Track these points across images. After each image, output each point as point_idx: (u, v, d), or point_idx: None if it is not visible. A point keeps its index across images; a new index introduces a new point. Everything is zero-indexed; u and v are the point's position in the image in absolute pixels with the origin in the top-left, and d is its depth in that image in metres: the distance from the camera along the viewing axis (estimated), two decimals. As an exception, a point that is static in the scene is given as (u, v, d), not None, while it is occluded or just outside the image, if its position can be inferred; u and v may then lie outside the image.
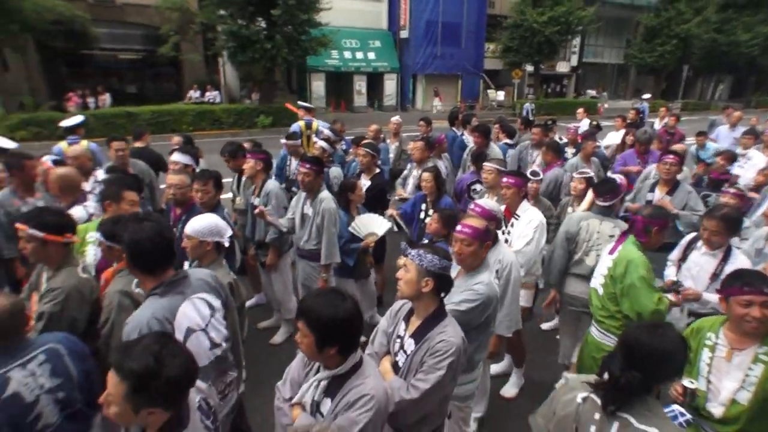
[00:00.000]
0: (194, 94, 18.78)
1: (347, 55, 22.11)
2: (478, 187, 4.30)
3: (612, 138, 7.43)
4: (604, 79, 32.94)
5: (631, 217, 2.89)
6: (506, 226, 3.36)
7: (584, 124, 8.37)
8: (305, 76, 21.59)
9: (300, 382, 1.75)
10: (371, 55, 22.85)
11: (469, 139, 6.02)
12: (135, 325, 1.77)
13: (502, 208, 3.28)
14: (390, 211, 3.94)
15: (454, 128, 6.68)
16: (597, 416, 1.50)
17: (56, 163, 4.10)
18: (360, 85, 22.99)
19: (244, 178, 4.18)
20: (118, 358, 1.29)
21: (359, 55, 22.51)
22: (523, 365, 3.50)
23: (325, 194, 3.53)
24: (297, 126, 6.55)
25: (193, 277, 2.05)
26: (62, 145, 5.17)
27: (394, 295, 2.14)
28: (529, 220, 3.28)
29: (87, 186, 3.60)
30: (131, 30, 19.34)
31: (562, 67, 29.02)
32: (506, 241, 3.30)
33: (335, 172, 4.71)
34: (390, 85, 23.92)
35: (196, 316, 1.96)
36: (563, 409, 1.61)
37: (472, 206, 2.92)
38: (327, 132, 5.74)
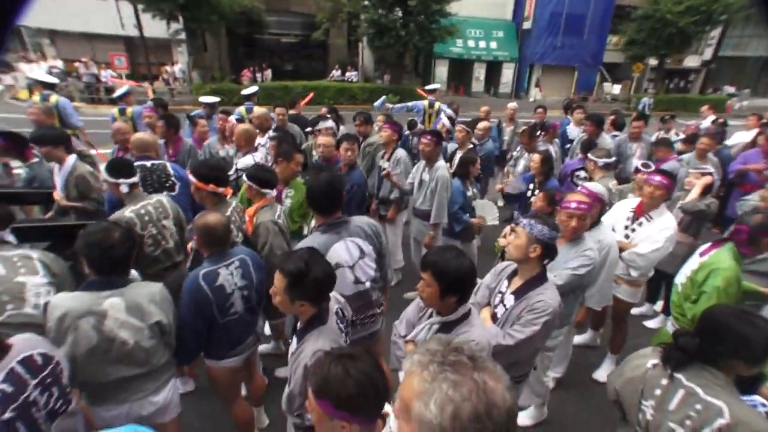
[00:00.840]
0: (336, 73, 19.90)
1: (471, 43, 21.38)
2: (582, 173, 4.03)
3: (739, 137, 6.21)
4: (742, 75, 26.53)
5: (735, 226, 2.38)
6: (632, 223, 2.96)
7: (707, 122, 7.13)
8: (431, 62, 21.46)
9: (414, 323, 1.87)
10: (493, 45, 21.77)
11: (571, 129, 5.59)
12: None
13: (633, 202, 3.01)
14: (499, 186, 3.93)
15: (569, 116, 6.23)
16: (664, 382, 1.44)
17: (238, 121, 4.84)
18: (479, 72, 22.25)
19: (364, 143, 4.33)
20: (282, 261, 1.59)
21: (482, 44, 21.62)
22: (619, 352, 3.21)
23: (440, 164, 3.66)
24: (421, 105, 6.66)
25: (353, 223, 2.24)
26: (241, 109, 5.99)
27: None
28: (663, 227, 2.84)
29: (261, 140, 4.18)
30: (293, 18, 20.98)
31: (692, 62, 23.96)
32: (627, 237, 2.96)
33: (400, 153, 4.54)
34: (507, 73, 22.66)
35: (346, 255, 2.17)
36: (632, 371, 1.56)
37: (579, 188, 2.80)
38: (449, 112, 5.76)
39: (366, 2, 16.09)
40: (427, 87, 6.82)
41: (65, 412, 1.49)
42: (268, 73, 19.66)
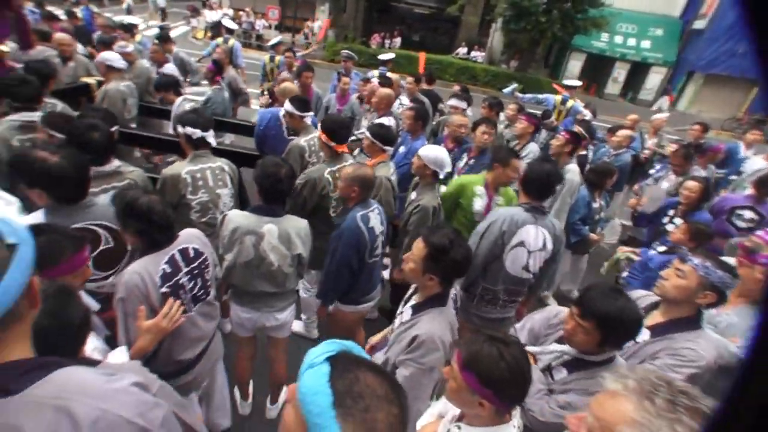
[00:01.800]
0: (462, 50, 19.19)
1: (618, 39, 18.66)
2: (747, 214, 3.36)
3: None
4: None
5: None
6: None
7: None
8: (564, 53, 19.40)
9: (538, 336, 1.70)
10: (645, 44, 18.66)
11: (743, 156, 4.67)
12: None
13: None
14: (632, 201, 3.52)
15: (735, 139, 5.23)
16: None
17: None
18: (619, 72, 19.33)
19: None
20: (428, 232, 1.60)
21: (631, 41, 18.67)
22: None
23: (572, 167, 3.39)
24: (552, 99, 6.16)
25: (549, 218, 2.29)
26: (374, 72, 6.15)
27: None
28: None
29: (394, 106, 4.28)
30: (429, -12, 20.57)
31: None
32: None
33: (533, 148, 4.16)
34: (654, 78, 19.28)
35: (533, 239, 2.20)
36: None
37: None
38: (584, 112, 5.23)
39: (510, -19, 15.03)
40: (566, 82, 6.23)
41: (205, 300, 1.76)
42: (398, 41, 19.73)
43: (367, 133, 2.81)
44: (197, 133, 2.20)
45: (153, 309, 1.49)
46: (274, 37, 6.99)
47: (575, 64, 19.55)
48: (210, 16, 18.46)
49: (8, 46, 3.94)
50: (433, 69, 15.54)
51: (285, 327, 2.25)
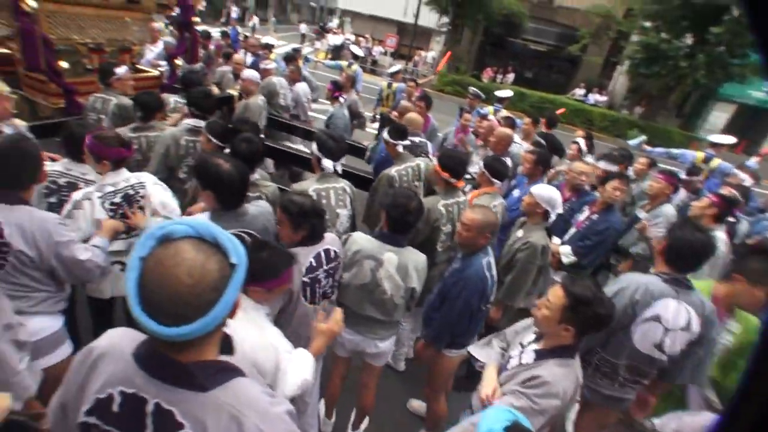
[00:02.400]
0: (579, 91, 18.32)
1: (781, 90, 16.10)
2: None
3: None
4: None
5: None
6: None
7: None
8: (706, 103, 17.22)
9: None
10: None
11: None
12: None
13: None
14: None
15: None
16: None
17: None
18: (782, 129, 16.64)
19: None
20: (570, 282, 1.53)
21: (801, 93, 15.94)
22: None
23: (719, 234, 2.96)
24: (691, 156, 5.49)
25: (696, 294, 1.95)
26: (489, 109, 6.14)
27: None
28: None
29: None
30: (552, 27, 20.13)
31: None
32: None
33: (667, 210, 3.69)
34: None
35: (673, 316, 1.91)
36: None
37: None
38: (742, 176, 4.56)
39: (647, 23, 13.99)
40: (714, 138, 5.50)
41: (330, 298, 2.03)
42: (510, 76, 19.56)
43: (481, 164, 2.90)
44: (329, 164, 2.39)
45: (291, 292, 1.78)
46: (392, 65, 7.42)
47: (720, 116, 17.27)
48: (332, 39, 20.35)
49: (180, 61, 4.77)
50: (543, 107, 15.24)
51: (383, 356, 2.28)
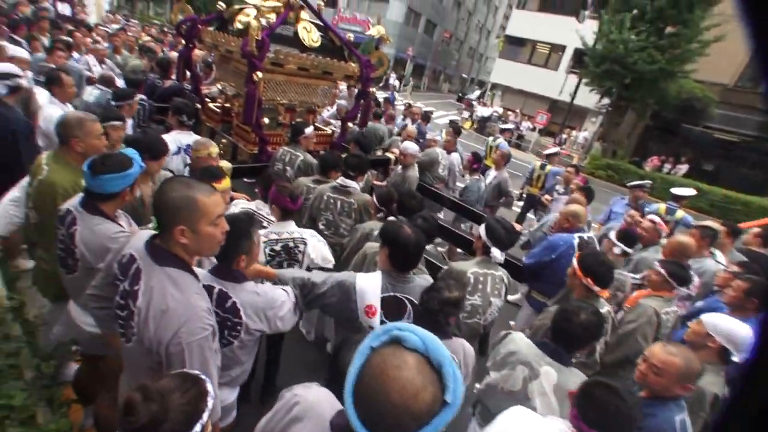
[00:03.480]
0: (784, 195, 15.13)
1: None
2: None
3: None
4: None
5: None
6: None
7: None
8: None
9: None
10: None
11: None
12: None
13: None
14: None
15: None
16: None
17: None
18: None
19: None
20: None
21: None
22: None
23: None
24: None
25: None
26: (660, 207, 5.40)
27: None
28: None
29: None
30: (749, 115, 17.51)
31: None
32: None
33: None
34: None
35: None
36: None
37: None
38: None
39: None
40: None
41: None
42: (683, 168, 17.33)
43: (659, 267, 2.62)
44: (498, 254, 2.34)
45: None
46: (552, 149, 7.24)
47: None
48: (481, 111, 21.23)
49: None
50: (731, 209, 12.90)
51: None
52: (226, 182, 2.39)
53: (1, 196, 3.07)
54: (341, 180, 3.17)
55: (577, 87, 16.95)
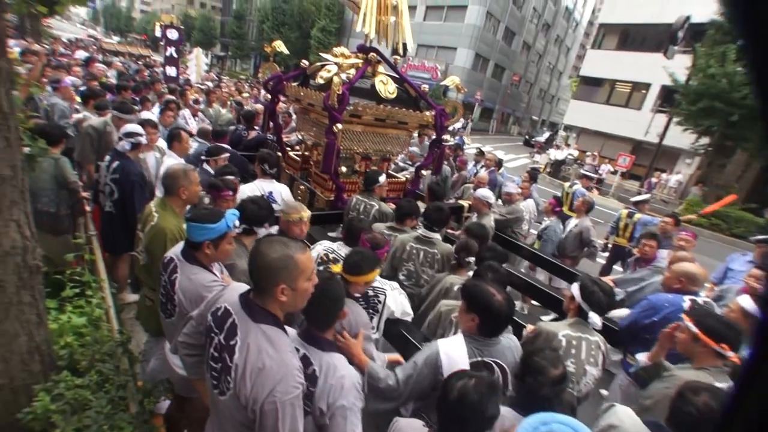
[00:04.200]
0: None
1: None
2: None
3: None
4: None
5: None
6: None
7: None
8: None
9: None
10: None
11: None
12: None
13: None
14: None
15: None
16: None
17: None
18: None
19: None
20: None
21: None
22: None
23: None
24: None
25: None
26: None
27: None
28: None
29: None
30: None
31: None
32: None
33: None
34: None
35: None
36: None
37: None
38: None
39: None
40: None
41: None
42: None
43: None
44: (596, 319, 2.20)
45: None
46: (641, 195, 6.80)
47: None
48: (554, 154, 20.65)
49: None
50: None
51: None
52: (305, 212, 2.59)
53: (119, 237, 3.57)
54: (423, 231, 3.23)
55: (666, 126, 15.94)
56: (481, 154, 7.95)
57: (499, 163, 7.46)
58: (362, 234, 2.57)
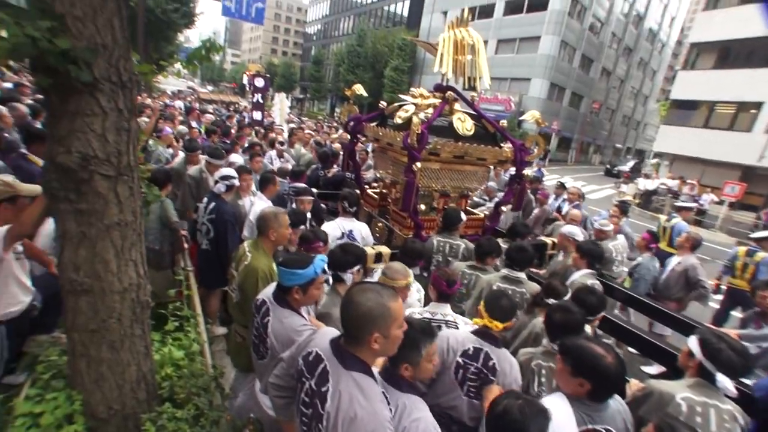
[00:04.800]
0: None
1: None
2: None
3: None
4: None
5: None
6: None
7: None
8: None
9: None
10: None
11: None
12: None
13: None
14: None
15: None
16: None
17: None
18: None
19: None
20: None
21: None
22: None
23: None
24: None
25: None
26: None
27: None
28: None
29: None
30: None
31: None
32: None
33: None
34: None
35: None
36: None
37: None
38: None
39: None
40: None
41: None
42: None
43: None
44: (726, 383, 1.87)
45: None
46: (763, 231, 5.94)
47: None
48: (644, 184, 19.07)
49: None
50: None
51: None
52: (410, 278, 2.60)
53: (213, 273, 3.86)
54: (508, 270, 3.17)
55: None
56: (562, 187, 7.55)
57: (582, 197, 7.02)
58: (435, 271, 2.66)
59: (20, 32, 1.39)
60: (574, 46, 32.36)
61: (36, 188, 2.47)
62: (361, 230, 3.94)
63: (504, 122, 5.01)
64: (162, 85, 26.62)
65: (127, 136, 1.88)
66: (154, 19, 22.35)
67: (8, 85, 8.71)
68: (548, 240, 4.94)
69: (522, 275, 3.20)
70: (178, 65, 2.69)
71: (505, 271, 3.19)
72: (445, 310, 2.57)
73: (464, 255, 3.81)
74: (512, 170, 5.03)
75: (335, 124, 21.13)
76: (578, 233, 4.30)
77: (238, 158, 5.82)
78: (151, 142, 5.75)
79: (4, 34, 1.38)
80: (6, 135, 4.22)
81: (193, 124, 9.32)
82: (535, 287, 3.12)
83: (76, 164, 1.74)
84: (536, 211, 6.90)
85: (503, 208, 5.02)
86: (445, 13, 36.59)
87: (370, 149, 8.31)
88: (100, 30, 1.66)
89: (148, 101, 12.00)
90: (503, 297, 2.20)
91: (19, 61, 1.65)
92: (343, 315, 1.44)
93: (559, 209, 6.95)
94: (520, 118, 5.06)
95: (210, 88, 61.23)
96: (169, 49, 29.90)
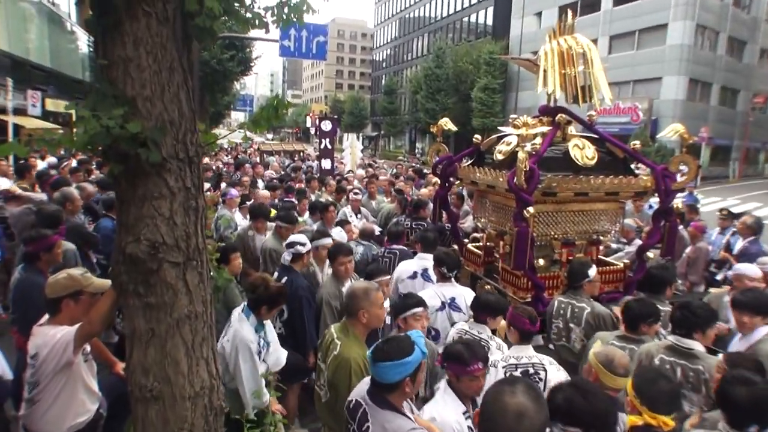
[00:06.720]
0: None
1: None
2: None
3: None
4: None
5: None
6: None
7: None
8: None
9: None
10: None
11: None
12: None
13: None
14: None
15: None
16: None
17: None
18: None
19: None
20: None
21: None
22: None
23: None
24: None
25: None
26: None
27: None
28: None
29: None
30: None
31: None
32: None
33: None
34: None
35: None
36: None
37: None
38: None
39: None
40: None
41: None
42: None
43: None
44: None
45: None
46: None
47: None
48: None
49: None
50: None
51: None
52: None
53: (290, 363, 3.92)
54: (676, 338, 2.87)
55: None
56: (730, 216, 6.75)
57: (758, 228, 6.06)
58: (512, 308, 3.04)
59: (97, 124, 1.58)
60: (716, 29, 30.48)
61: (105, 282, 2.73)
62: (464, 296, 3.83)
63: (637, 144, 4.71)
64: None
65: (195, 216, 2.02)
66: (209, 71, 24.96)
67: (73, 163, 10.16)
68: (719, 290, 4.41)
69: (696, 345, 2.84)
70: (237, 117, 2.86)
71: (671, 339, 2.90)
72: (529, 352, 2.89)
73: (589, 322, 3.57)
74: (655, 200, 4.66)
75: (415, 164, 21.34)
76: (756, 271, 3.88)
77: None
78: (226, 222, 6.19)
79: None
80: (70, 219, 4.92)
81: (259, 183, 9.83)
82: (715, 362, 2.76)
83: (145, 253, 1.89)
84: (688, 250, 6.21)
85: (649, 254, 4.58)
86: (539, 15, 36.70)
87: (465, 193, 8.20)
88: (167, 107, 1.84)
89: (206, 160, 13.03)
90: (661, 379, 2.18)
91: (92, 152, 1.87)
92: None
93: (728, 246, 6.18)
94: (659, 135, 4.69)
95: (270, 136, 64.96)
96: (226, 100, 32.91)
